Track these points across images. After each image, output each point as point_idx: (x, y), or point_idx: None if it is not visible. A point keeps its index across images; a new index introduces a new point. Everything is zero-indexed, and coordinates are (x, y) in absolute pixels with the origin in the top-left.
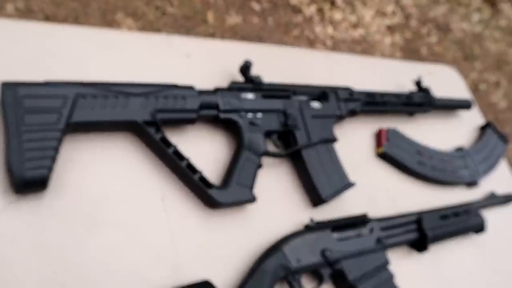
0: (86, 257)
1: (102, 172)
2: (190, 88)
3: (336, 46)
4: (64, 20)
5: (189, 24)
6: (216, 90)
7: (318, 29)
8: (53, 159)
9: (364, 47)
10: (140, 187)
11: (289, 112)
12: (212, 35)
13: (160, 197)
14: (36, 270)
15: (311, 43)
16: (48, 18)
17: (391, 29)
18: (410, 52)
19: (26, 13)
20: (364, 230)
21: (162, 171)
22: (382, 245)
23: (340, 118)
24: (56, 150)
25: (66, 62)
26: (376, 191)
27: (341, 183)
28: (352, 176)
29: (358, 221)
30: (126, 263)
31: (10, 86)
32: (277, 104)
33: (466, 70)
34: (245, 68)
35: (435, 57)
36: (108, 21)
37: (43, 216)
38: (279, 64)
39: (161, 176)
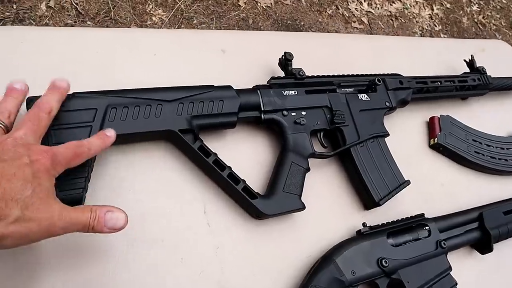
0: (127, 275)
1: (139, 187)
2: (228, 88)
3: (373, 22)
4: (95, 15)
5: (220, 10)
6: (256, 88)
7: (353, 6)
8: (87, 178)
9: (401, 22)
10: (180, 200)
11: (335, 107)
12: (244, 19)
13: (202, 209)
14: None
15: (346, 21)
16: (80, 13)
17: (429, 0)
18: (450, 23)
19: (58, 10)
20: (422, 233)
21: (202, 181)
22: (442, 249)
23: (390, 109)
24: (89, 168)
25: (96, 65)
26: (431, 187)
27: (395, 182)
28: (405, 172)
29: (415, 223)
30: (168, 282)
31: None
32: (322, 99)
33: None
34: (285, 61)
35: (477, 28)
36: (139, 13)
37: (80, 241)
38: (320, 53)
39: (202, 187)
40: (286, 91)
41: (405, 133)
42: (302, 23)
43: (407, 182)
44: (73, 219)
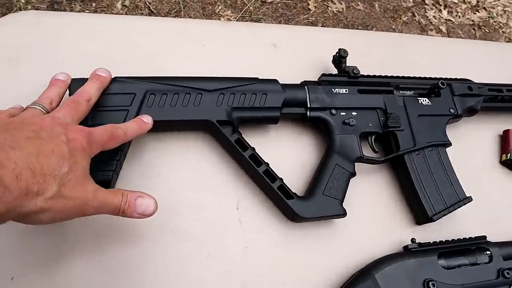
0: (150, 264)
1: (173, 176)
2: (273, 81)
3: (452, 31)
4: (166, 14)
5: (289, 13)
6: (304, 84)
7: (431, 13)
8: (119, 162)
9: (484, 32)
10: (213, 193)
11: (390, 109)
12: (313, 23)
13: (235, 205)
14: (97, 281)
15: (423, 29)
16: (152, 12)
17: None
18: None
19: (132, 9)
20: (482, 258)
21: (238, 176)
22: (505, 279)
23: (455, 117)
24: (122, 152)
25: (144, 53)
26: (498, 207)
27: (454, 197)
28: (468, 188)
29: (474, 246)
30: (191, 278)
31: (79, 82)
32: (376, 100)
33: None
34: (338, 58)
35: None
36: (208, 13)
37: (108, 225)
38: (380, 53)
39: (237, 182)
40: (336, 89)
41: (472, 145)
42: (374, 30)
43: (468, 199)
44: (105, 201)
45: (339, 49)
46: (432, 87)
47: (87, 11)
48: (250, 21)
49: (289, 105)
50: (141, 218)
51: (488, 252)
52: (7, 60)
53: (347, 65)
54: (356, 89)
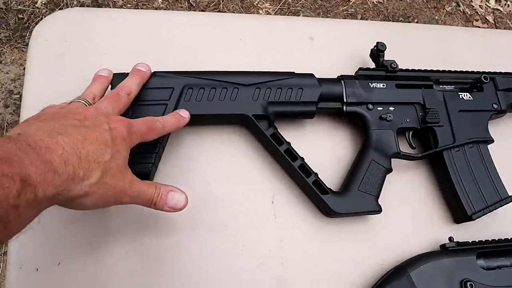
0: (186, 256)
1: (209, 169)
2: (309, 76)
3: (499, 21)
4: (206, 7)
5: (328, 5)
6: (340, 78)
7: (477, 2)
8: (158, 154)
9: None
10: (249, 187)
11: (429, 105)
12: (352, 15)
13: (270, 199)
14: (136, 269)
15: (468, 19)
16: (191, 5)
17: None
18: None
19: (172, 2)
20: None
21: (274, 170)
22: None
23: (498, 113)
24: (161, 145)
25: (182, 47)
26: None
27: (495, 196)
28: (511, 187)
29: None
30: (226, 270)
31: (120, 77)
32: (414, 95)
33: None
34: (376, 52)
35: None
36: (246, 6)
37: (147, 216)
38: (419, 46)
39: (272, 176)
40: (373, 84)
41: None
42: (415, 21)
43: (511, 198)
44: (140, 191)
45: (377, 43)
46: (474, 81)
47: (129, 5)
48: (289, 13)
49: (326, 100)
50: (171, 211)
51: None
52: (54, 56)
53: (385, 59)
54: (394, 84)
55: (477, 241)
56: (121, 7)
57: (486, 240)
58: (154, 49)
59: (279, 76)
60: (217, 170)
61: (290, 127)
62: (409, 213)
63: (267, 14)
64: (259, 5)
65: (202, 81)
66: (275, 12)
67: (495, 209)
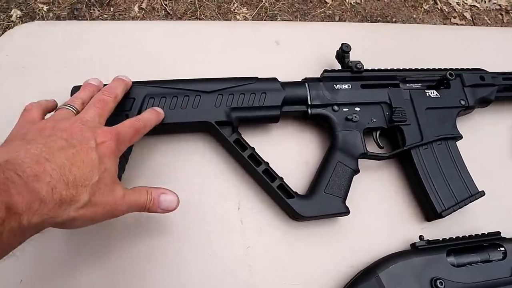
0: (151, 265)
1: (175, 177)
2: (272, 80)
3: (477, 17)
4: (182, 14)
5: (305, 7)
6: (305, 81)
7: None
8: (126, 157)
9: None
10: (215, 194)
11: (395, 104)
12: (330, 17)
13: (236, 205)
14: (88, 281)
15: (445, 16)
16: (168, 14)
17: None
18: None
19: (149, 11)
20: (495, 255)
21: (239, 176)
22: None
23: (466, 109)
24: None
25: (143, 58)
26: None
27: (465, 192)
28: (482, 182)
29: (487, 242)
30: (193, 278)
31: (78, 88)
32: (380, 94)
33: None
34: (341, 53)
35: None
36: (223, 12)
37: (106, 225)
38: (389, 46)
39: (238, 182)
40: (338, 85)
41: (487, 137)
42: (394, 20)
43: (481, 193)
44: (133, 202)
45: (342, 44)
46: (440, 78)
47: (105, 15)
48: (266, 17)
49: (290, 103)
50: (164, 213)
51: (502, 249)
52: (15, 70)
53: (351, 59)
54: (359, 84)
55: (447, 238)
56: (97, 18)
57: (456, 237)
58: (116, 60)
59: (242, 82)
60: (183, 178)
61: (256, 132)
62: (379, 213)
63: (244, 19)
64: (236, 11)
65: (163, 90)
66: (252, 17)
67: (465, 205)
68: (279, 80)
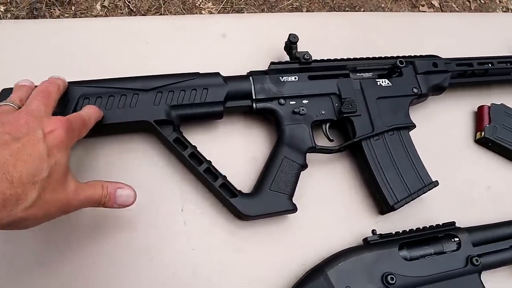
0: (91, 272)
1: (117, 179)
2: (214, 75)
3: (445, 5)
4: (146, 11)
5: (272, 0)
6: (249, 75)
7: None
8: None
9: (480, 3)
10: (157, 196)
11: (344, 94)
12: (297, 9)
13: (179, 207)
14: None
15: (413, 5)
16: (132, 11)
17: None
18: None
19: (112, 9)
20: (449, 246)
21: (182, 176)
22: (474, 266)
23: (419, 97)
24: None
25: (86, 57)
26: (474, 190)
27: (418, 183)
28: (440, 171)
29: (442, 233)
30: (136, 283)
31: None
32: (329, 86)
33: None
34: (289, 45)
35: None
36: (188, 7)
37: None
38: (343, 35)
39: (181, 182)
40: (284, 77)
41: (444, 125)
42: (362, 10)
43: (434, 183)
44: (87, 197)
45: (289, 35)
46: (391, 67)
47: (66, 15)
48: (232, 11)
49: (234, 98)
50: (121, 208)
51: (456, 239)
52: None
53: (299, 50)
54: (307, 76)
55: (401, 231)
56: (58, 17)
57: (410, 230)
58: (57, 59)
59: (182, 78)
60: (125, 180)
61: (201, 129)
62: (332, 208)
63: (210, 13)
64: (201, 6)
65: (99, 90)
66: (218, 11)
67: (418, 196)
68: (224, 74)
